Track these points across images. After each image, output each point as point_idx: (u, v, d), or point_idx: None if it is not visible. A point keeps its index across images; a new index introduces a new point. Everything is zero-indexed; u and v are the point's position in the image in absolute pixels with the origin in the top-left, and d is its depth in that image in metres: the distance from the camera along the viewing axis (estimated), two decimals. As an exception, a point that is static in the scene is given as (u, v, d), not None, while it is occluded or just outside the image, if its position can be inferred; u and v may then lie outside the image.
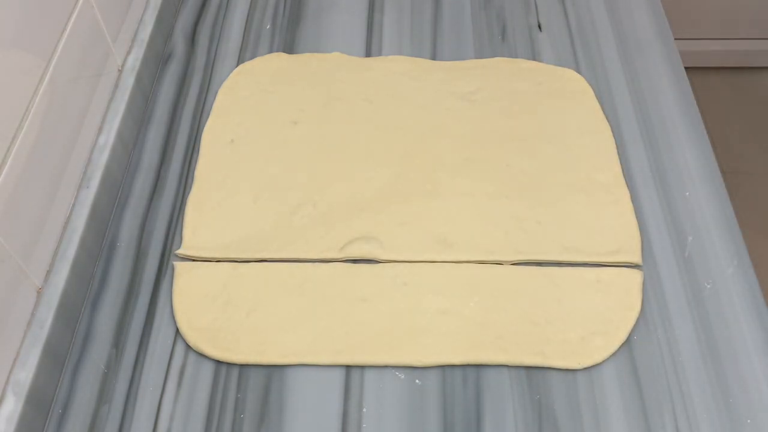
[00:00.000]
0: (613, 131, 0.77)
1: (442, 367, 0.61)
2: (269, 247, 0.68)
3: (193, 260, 0.68)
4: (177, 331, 0.64)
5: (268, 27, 0.90)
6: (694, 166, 0.74)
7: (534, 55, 0.86)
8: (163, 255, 0.69)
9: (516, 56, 0.86)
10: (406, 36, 0.88)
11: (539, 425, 0.58)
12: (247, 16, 0.92)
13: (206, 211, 0.71)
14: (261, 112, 0.79)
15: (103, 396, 0.60)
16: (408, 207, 0.71)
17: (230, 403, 0.60)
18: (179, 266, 0.67)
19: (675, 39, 0.87)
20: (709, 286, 0.66)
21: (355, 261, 0.68)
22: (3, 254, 0.56)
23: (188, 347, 0.63)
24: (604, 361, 0.61)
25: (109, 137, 0.73)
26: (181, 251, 0.68)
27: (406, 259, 0.67)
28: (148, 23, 0.83)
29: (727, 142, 1.71)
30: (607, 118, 0.78)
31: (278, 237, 0.69)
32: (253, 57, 0.86)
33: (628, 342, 0.62)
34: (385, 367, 0.61)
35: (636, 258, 0.67)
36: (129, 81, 0.78)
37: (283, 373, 0.61)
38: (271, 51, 0.87)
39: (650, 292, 0.65)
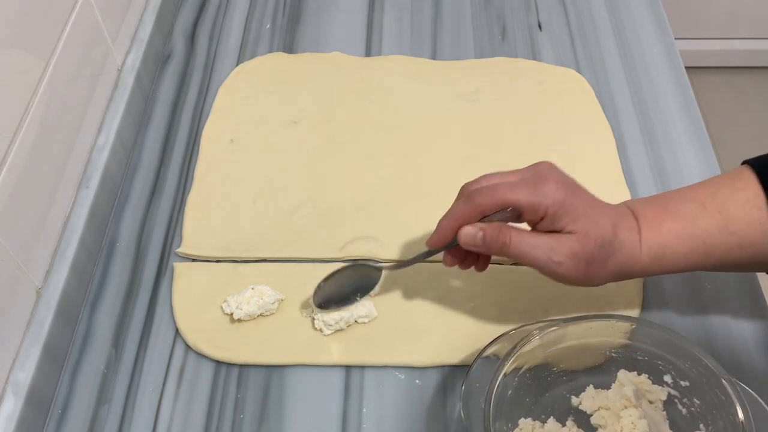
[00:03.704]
0: (613, 131, 0.77)
1: (442, 367, 0.61)
2: (269, 247, 0.68)
3: (193, 260, 0.68)
4: (177, 331, 0.64)
5: (267, 26, 0.90)
6: (694, 166, 0.74)
7: (534, 55, 0.86)
8: (162, 255, 0.69)
9: (516, 56, 0.86)
10: (406, 36, 0.88)
11: (539, 425, 0.58)
12: (247, 15, 0.91)
13: (206, 210, 0.71)
14: (261, 112, 0.79)
15: (102, 396, 0.60)
16: (408, 207, 0.71)
17: (230, 403, 0.60)
18: (179, 266, 0.67)
19: (675, 39, 0.87)
20: (709, 286, 0.65)
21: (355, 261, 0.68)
22: (2, 254, 0.55)
23: (188, 347, 0.63)
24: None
25: (108, 137, 0.73)
26: (181, 250, 0.68)
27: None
28: (148, 23, 0.83)
29: (727, 142, 1.71)
30: (607, 118, 0.78)
31: (278, 237, 0.69)
32: (252, 57, 0.86)
33: (628, 342, 0.62)
34: (385, 367, 0.61)
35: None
36: (128, 81, 0.77)
37: (283, 373, 0.61)
38: (271, 51, 0.87)
39: (650, 291, 0.65)
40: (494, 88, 0.81)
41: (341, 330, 0.62)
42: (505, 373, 0.53)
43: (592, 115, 0.79)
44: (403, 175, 0.73)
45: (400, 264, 0.61)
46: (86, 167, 0.70)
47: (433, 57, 0.86)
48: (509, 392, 0.54)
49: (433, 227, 0.69)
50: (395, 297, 0.65)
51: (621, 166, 0.74)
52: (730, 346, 0.62)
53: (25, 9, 0.59)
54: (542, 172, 0.54)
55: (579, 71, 0.83)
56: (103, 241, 0.70)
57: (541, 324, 0.56)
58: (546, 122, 0.78)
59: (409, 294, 0.65)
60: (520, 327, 0.57)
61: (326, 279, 0.62)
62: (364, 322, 0.63)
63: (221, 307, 0.64)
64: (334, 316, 0.61)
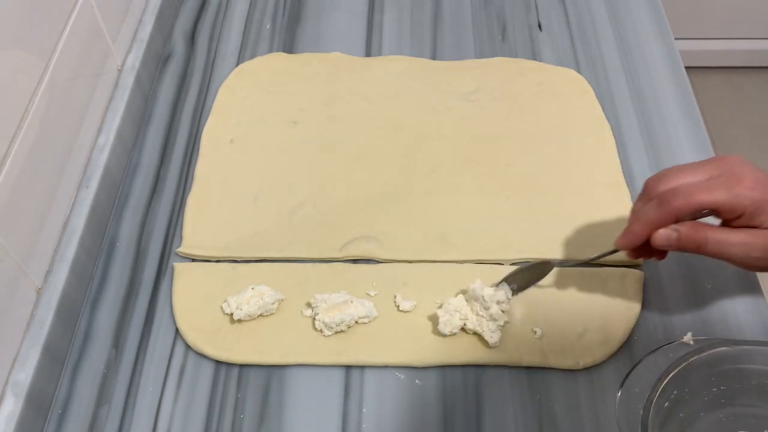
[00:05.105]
0: (613, 131, 0.77)
1: (442, 367, 0.61)
2: (269, 247, 0.68)
3: (193, 259, 0.68)
4: (177, 331, 0.64)
5: (268, 27, 0.90)
6: (695, 166, 0.74)
7: (534, 55, 0.86)
8: (162, 255, 0.69)
9: (516, 56, 0.86)
10: (406, 36, 0.88)
11: (539, 425, 0.58)
12: (247, 15, 0.92)
13: (206, 210, 0.71)
14: (261, 112, 0.79)
15: (102, 396, 0.60)
16: (408, 207, 0.71)
17: (230, 403, 0.60)
18: (179, 266, 0.67)
19: (675, 39, 0.87)
20: (709, 286, 0.65)
21: (355, 261, 0.68)
22: (3, 254, 0.55)
23: (188, 347, 0.63)
24: (604, 361, 0.61)
25: (108, 137, 0.73)
26: (181, 250, 0.68)
27: (406, 259, 0.67)
28: (148, 23, 0.83)
29: (727, 142, 1.71)
30: (607, 118, 0.78)
31: (278, 237, 0.69)
32: (253, 57, 0.86)
33: (628, 342, 0.62)
34: (385, 367, 0.61)
35: (636, 258, 0.67)
36: (128, 81, 0.78)
37: (283, 373, 0.61)
38: (271, 51, 0.87)
39: (650, 291, 0.65)
40: (494, 88, 0.81)
41: (342, 332, 0.62)
42: (665, 385, 0.53)
43: (592, 115, 0.79)
44: (403, 175, 0.73)
45: (580, 263, 0.63)
46: (86, 167, 0.70)
47: (433, 57, 0.86)
48: (666, 404, 0.54)
49: (432, 227, 0.69)
50: (395, 297, 0.65)
51: (621, 166, 0.74)
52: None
53: (25, 9, 0.59)
54: (735, 169, 0.53)
55: (579, 71, 0.83)
56: (103, 241, 0.70)
57: (711, 342, 0.55)
58: (546, 122, 0.78)
59: (409, 293, 0.65)
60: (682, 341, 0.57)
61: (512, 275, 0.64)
62: (364, 322, 0.63)
63: (221, 307, 0.64)
64: (335, 319, 0.61)
